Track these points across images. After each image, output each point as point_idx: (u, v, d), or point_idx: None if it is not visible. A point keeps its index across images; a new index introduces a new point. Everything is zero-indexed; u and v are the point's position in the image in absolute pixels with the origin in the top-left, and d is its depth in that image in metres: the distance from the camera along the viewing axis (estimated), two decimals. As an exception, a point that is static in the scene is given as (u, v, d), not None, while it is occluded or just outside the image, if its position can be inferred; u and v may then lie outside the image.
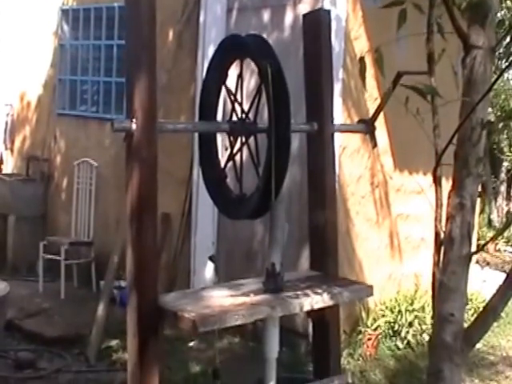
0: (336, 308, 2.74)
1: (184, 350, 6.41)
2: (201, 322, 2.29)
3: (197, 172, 7.04)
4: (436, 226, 2.11)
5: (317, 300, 2.51)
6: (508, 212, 12.84)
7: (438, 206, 2.10)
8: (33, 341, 6.67)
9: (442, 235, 2.03)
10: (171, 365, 5.80)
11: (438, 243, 2.06)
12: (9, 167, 10.22)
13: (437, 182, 2.17)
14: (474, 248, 2.28)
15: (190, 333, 2.25)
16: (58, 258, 7.90)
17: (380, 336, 6.77)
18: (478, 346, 7.13)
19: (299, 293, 2.53)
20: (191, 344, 6.55)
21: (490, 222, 12.78)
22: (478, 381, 6.29)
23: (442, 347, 1.99)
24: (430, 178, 7.14)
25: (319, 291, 2.54)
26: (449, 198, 2.04)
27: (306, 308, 2.52)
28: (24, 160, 9.71)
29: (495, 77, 2.25)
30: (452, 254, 1.99)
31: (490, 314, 2.02)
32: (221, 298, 2.49)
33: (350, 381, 2.65)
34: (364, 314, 6.80)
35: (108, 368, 6.06)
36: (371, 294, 2.59)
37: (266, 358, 2.57)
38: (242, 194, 2.78)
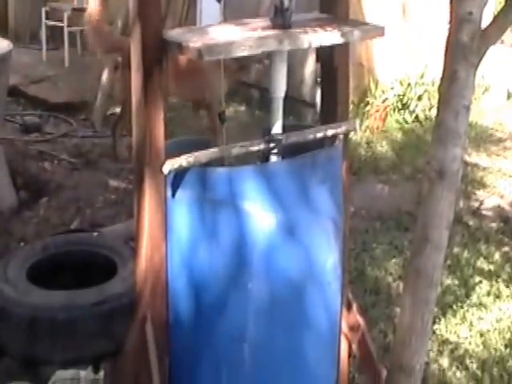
0: (346, 51, 2.63)
1: (189, 118, 6.34)
2: (206, 50, 2.20)
3: None
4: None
5: (326, 36, 2.39)
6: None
7: None
8: (38, 106, 6.68)
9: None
10: (174, 130, 5.76)
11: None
12: None
13: None
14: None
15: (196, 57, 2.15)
16: (60, 24, 7.75)
17: (388, 109, 6.71)
18: (487, 123, 7.09)
19: (308, 29, 2.40)
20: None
21: None
22: (485, 155, 6.30)
23: (458, 47, 1.89)
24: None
25: (329, 29, 2.41)
26: None
27: (315, 44, 2.41)
28: None
29: None
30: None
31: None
32: (227, 33, 2.38)
33: (357, 128, 2.59)
34: (373, 86, 6.70)
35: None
36: (383, 34, 2.46)
37: (272, 97, 2.48)
38: None
